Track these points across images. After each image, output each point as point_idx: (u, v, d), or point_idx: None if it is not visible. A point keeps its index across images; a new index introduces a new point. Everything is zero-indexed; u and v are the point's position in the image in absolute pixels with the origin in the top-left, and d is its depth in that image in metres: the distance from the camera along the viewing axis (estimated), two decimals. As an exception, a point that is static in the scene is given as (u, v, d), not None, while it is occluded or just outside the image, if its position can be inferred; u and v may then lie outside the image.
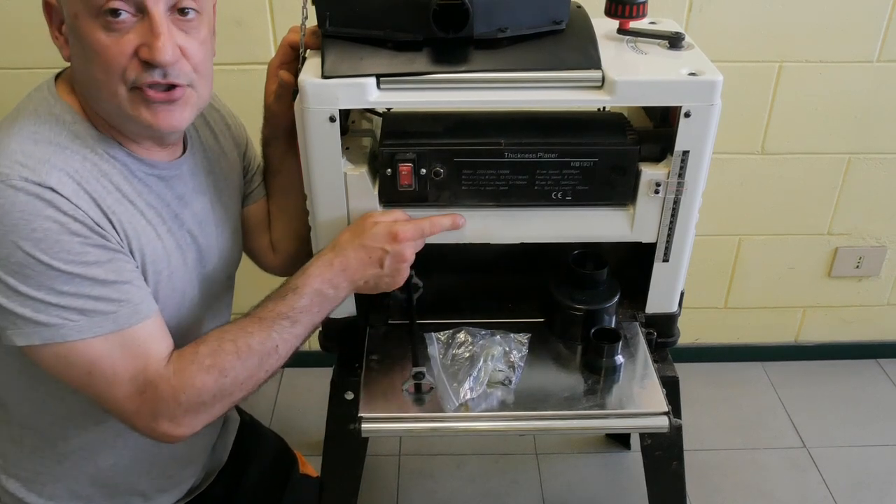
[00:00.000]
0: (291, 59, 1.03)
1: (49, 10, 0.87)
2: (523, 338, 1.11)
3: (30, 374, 0.93)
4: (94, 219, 0.85)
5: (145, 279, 0.92)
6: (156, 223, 0.94)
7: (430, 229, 1.00)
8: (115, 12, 0.81)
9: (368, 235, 0.97)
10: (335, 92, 0.93)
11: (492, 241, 1.07)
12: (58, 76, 0.93)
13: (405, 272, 1.00)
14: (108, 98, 0.86)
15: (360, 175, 1.00)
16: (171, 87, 0.87)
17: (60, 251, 0.82)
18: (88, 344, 0.85)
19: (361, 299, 1.11)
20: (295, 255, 1.19)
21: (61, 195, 0.82)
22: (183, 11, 0.86)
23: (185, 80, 0.88)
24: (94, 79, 0.85)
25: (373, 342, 1.13)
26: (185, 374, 0.88)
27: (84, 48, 0.84)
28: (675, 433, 1.13)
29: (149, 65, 0.84)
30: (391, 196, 1.02)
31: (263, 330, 0.92)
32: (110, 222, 0.87)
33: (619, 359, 1.08)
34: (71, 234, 0.82)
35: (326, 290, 0.96)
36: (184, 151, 1.01)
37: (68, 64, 0.91)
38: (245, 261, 1.20)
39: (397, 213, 1.01)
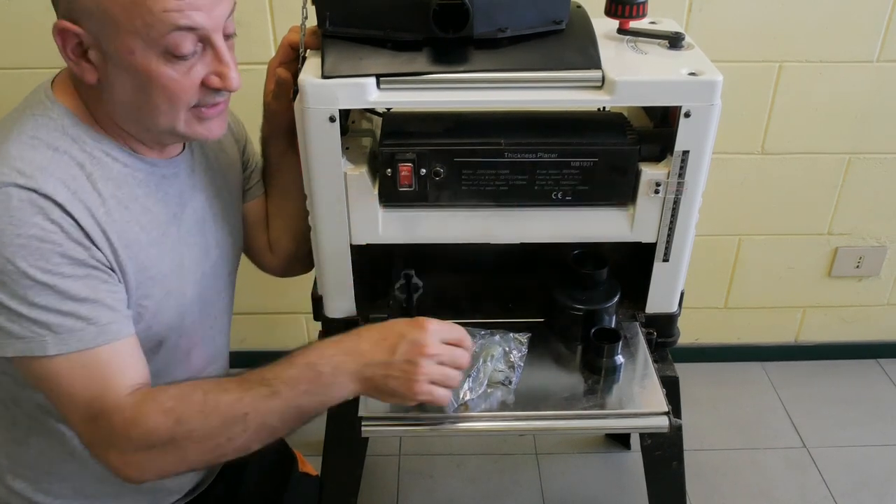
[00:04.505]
0: (291, 58, 1.03)
1: (63, 35, 0.83)
2: (523, 338, 1.11)
3: None
4: (85, 228, 0.84)
5: (138, 286, 0.91)
6: (150, 227, 0.94)
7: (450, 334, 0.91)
8: (185, 55, 0.83)
9: (391, 331, 0.89)
10: (335, 92, 0.93)
11: (492, 241, 1.07)
12: (54, 78, 0.92)
13: (421, 374, 0.87)
14: (166, 122, 0.88)
15: (360, 175, 1.00)
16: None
17: (39, 259, 0.81)
18: (51, 361, 0.83)
19: (361, 298, 1.11)
20: (293, 256, 1.18)
21: (54, 202, 0.82)
22: (228, 37, 0.89)
23: None
24: (153, 106, 0.87)
25: (373, 342, 1.13)
26: (140, 410, 0.84)
27: (142, 81, 0.84)
28: (675, 433, 1.13)
29: (213, 89, 0.88)
30: (391, 196, 1.02)
31: (237, 391, 0.85)
32: (103, 232, 0.87)
33: (619, 359, 1.08)
34: (52, 244, 0.82)
35: (322, 366, 0.86)
36: (182, 148, 1.01)
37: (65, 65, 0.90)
38: (245, 261, 1.20)
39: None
